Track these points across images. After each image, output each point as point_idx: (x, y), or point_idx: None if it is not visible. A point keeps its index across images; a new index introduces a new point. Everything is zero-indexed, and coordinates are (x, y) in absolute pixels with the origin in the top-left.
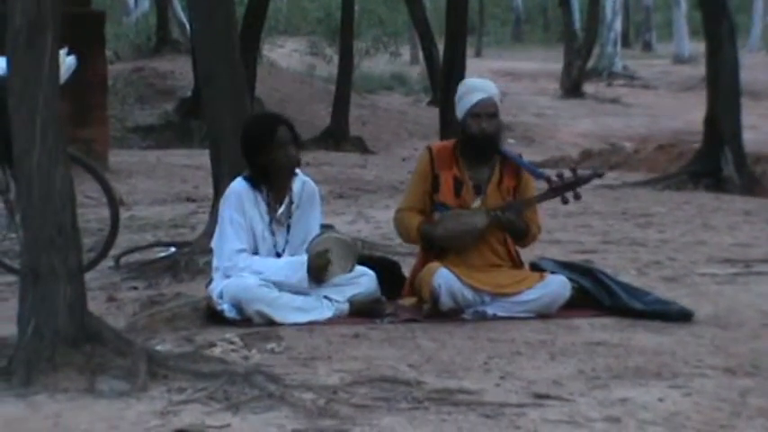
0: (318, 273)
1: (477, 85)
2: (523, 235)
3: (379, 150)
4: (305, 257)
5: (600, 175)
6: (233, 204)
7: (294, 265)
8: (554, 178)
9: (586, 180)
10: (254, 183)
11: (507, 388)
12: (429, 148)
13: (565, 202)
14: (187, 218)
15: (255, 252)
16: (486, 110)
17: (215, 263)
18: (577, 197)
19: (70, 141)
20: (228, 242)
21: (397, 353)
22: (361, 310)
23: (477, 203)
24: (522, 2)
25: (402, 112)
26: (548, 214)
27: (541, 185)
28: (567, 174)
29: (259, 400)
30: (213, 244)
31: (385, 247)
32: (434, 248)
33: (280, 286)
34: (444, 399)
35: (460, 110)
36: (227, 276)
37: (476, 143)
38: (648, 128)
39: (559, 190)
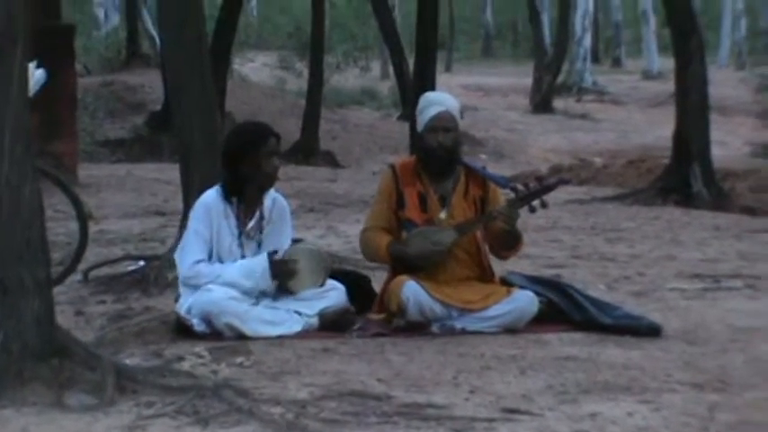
0: (285, 277)
1: (434, 99)
2: (517, 241)
3: (350, 165)
4: (264, 255)
5: (566, 182)
6: (199, 216)
7: (254, 264)
8: (520, 187)
9: (552, 187)
10: (226, 194)
11: (477, 402)
12: (392, 167)
13: (532, 210)
14: (156, 232)
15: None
16: (442, 123)
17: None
18: (544, 205)
19: (39, 155)
20: (189, 253)
21: (366, 367)
22: (331, 323)
23: (443, 215)
24: (492, 17)
25: (372, 127)
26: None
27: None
28: (533, 183)
29: (228, 415)
30: (176, 254)
31: (355, 261)
32: (404, 267)
33: (249, 293)
34: (413, 413)
35: (420, 124)
36: (186, 285)
37: (434, 157)
38: (618, 143)
39: (526, 199)
